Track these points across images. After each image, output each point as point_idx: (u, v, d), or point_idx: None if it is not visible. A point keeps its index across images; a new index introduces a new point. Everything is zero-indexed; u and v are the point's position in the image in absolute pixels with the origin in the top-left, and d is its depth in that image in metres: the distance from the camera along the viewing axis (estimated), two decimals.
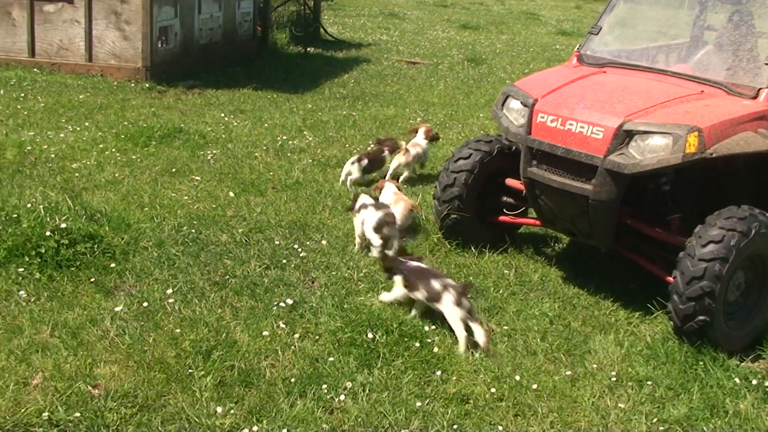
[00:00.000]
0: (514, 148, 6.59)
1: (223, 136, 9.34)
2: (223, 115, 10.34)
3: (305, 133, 9.79)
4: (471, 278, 6.04)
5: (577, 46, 6.65)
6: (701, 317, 5.03)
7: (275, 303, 5.40)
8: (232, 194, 7.47)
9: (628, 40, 6.54)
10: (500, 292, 5.94)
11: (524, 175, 5.90)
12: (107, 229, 6.17)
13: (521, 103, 5.99)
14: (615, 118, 5.42)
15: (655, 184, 5.76)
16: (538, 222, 6.42)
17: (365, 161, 7.91)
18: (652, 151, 5.27)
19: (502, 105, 6.19)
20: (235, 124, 9.92)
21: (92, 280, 5.49)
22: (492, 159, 6.48)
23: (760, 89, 5.52)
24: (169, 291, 5.41)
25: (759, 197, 5.67)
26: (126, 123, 9.42)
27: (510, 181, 6.58)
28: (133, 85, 11.50)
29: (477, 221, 6.56)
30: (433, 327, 5.23)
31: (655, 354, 5.18)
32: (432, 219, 6.86)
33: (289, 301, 5.40)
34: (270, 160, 8.60)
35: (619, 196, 5.51)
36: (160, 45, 11.87)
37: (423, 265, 5.49)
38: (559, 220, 5.99)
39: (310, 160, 8.67)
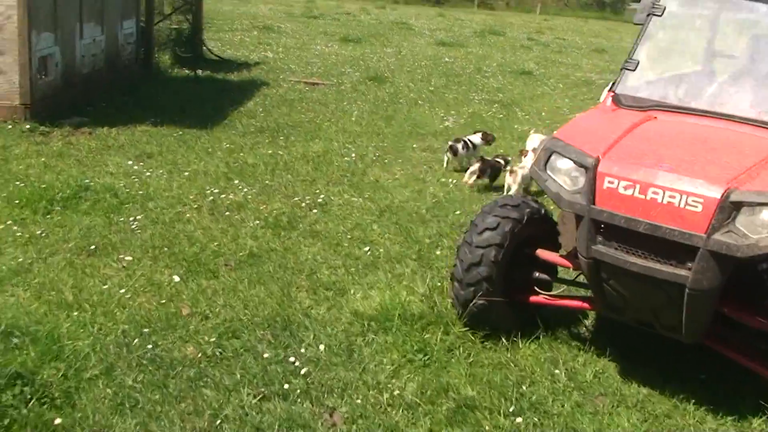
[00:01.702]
0: (543, 211, 5.23)
1: (140, 192, 7.54)
2: (129, 162, 8.50)
3: (236, 182, 8.10)
4: (518, 385, 4.61)
5: (610, 84, 5.34)
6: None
7: None
8: (176, 278, 5.77)
9: (674, 75, 5.25)
10: (562, 403, 4.53)
11: (587, 254, 4.54)
12: (33, 356, 4.37)
13: (575, 162, 4.61)
14: (716, 185, 4.13)
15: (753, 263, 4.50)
16: (586, 305, 5.06)
17: None
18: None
19: (545, 164, 4.79)
20: (148, 174, 8.11)
21: None
22: (522, 227, 5.08)
23: None
24: None
25: None
26: (16, 182, 7.44)
27: (543, 254, 5.21)
28: (10, 127, 9.44)
29: (506, 304, 5.12)
30: None
31: None
32: (448, 305, 5.35)
33: None
34: (207, 223, 6.90)
35: (723, 283, 4.22)
36: (39, 78, 9.81)
37: None
38: (632, 310, 4.65)
39: (257, 221, 7.02)
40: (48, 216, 6.77)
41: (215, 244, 6.46)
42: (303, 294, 5.67)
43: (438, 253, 6.63)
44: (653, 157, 4.47)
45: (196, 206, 7.30)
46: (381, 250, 6.59)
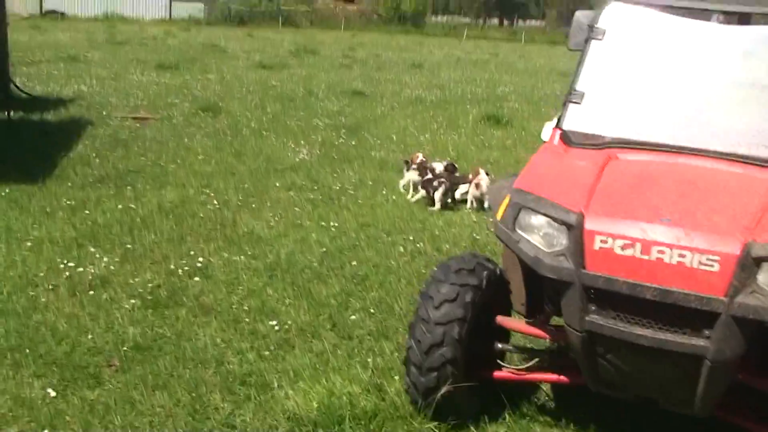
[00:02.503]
0: (499, 271, 4.47)
1: None
2: None
3: (90, 249, 6.82)
4: None
5: (555, 121, 4.65)
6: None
7: None
8: (51, 392, 4.55)
9: (628, 106, 4.62)
10: None
11: (580, 327, 3.78)
12: None
13: (552, 218, 3.86)
14: (731, 239, 3.51)
15: None
16: (564, 379, 4.33)
17: None
18: None
19: (514, 222, 4.00)
20: None
21: None
22: (482, 294, 4.29)
23: None
24: None
25: None
26: None
27: (506, 322, 4.46)
28: None
29: (470, 386, 4.31)
30: None
31: None
32: (400, 392, 4.45)
33: None
34: (71, 308, 5.65)
35: (745, 351, 3.60)
36: None
37: None
38: (633, 386, 3.95)
39: (132, 300, 5.84)
40: None
41: (88, 336, 5.23)
42: (217, 396, 4.59)
43: (353, 318, 5.73)
44: (645, 207, 3.79)
45: (50, 286, 5.99)
46: (289, 321, 5.59)
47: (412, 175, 9.11)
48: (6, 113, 12.42)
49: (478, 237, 7.76)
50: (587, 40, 4.74)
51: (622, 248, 3.67)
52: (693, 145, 4.29)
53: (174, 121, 13.32)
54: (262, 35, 38.30)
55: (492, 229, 4.12)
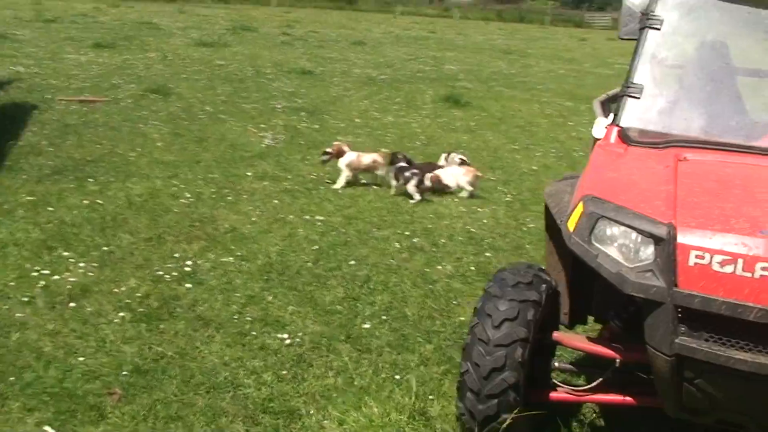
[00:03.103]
0: (554, 283, 4.01)
1: None
2: None
3: (63, 252, 6.14)
4: None
5: (611, 117, 4.18)
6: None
7: None
8: (49, 430, 3.89)
9: (691, 101, 4.18)
10: None
11: (669, 350, 3.34)
12: None
13: (636, 230, 3.39)
14: None
15: None
16: (631, 401, 3.90)
17: None
18: None
19: (590, 233, 3.53)
20: None
21: None
22: (541, 310, 3.83)
23: None
24: None
25: None
26: None
27: (567, 339, 4.00)
28: None
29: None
30: None
31: None
32: (447, 417, 3.96)
33: None
34: (53, 324, 5.02)
35: None
36: None
37: None
38: (721, 411, 3.53)
39: (120, 313, 5.22)
40: None
41: (79, 358, 4.59)
42: (240, 427, 4.06)
43: (366, 327, 5.22)
44: (740, 218, 3.36)
45: (26, 299, 5.31)
46: (299, 334, 5.05)
47: (345, 165, 8.53)
48: None
49: (473, 230, 7.30)
50: (642, 29, 4.27)
51: (721, 265, 3.24)
52: (765, 144, 3.87)
53: (123, 104, 12.47)
54: (194, 11, 37.02)
55: (567, 242, 3.61)
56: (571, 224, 3.63)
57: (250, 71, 17.15)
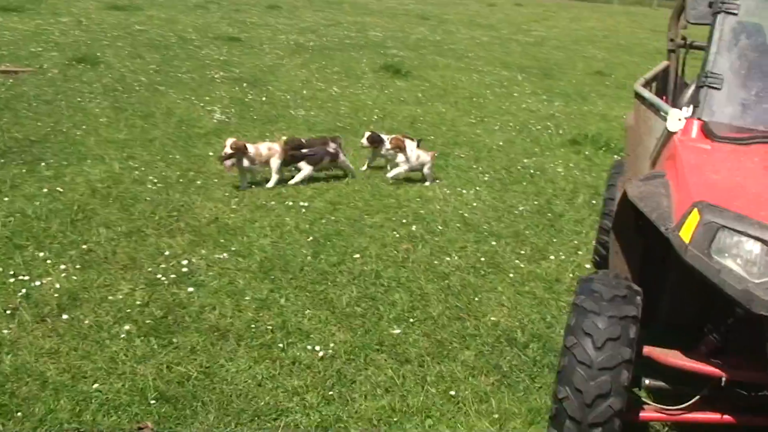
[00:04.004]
0: (642, 293, 3.66)
1: None
2: None
3: (36, 252, 5.50)
4: None
5: (689, 110, 3.81)
6: None
7: None
8: None
9: None
10: None
11: None
12: None
13: (764, 243, 3.05)
14: None
15: None
16: (731, 419, 3.59)
17: None
18: None
19: (710, 245, 3.15)
20: None
21: None
22: (639, 325, 3.46)
23: None
24: None
25: None
26: None
27: (656, 353, 3.64)
28: None
29: None
30: None
31: None
32: None
33: None
34: (51, 343, 4.43)
35: None
36: None
37: None
38: None
39: (124, 325, 4.58)
40: None
41: (92, 385, 3.96)
42: None
43: (395, 332, 4.76)
44: None
45: (8, 311, 4.59)
46: (331, 345, 4.54)
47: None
48: None
49: (466, 215, 6.89)
50: (716, 14, 3.89)
51: None
52: None
53: (50, 75, 11.44)
54: None
55: (682, 254, 3.21)
56: (686, 234, 3.24)
57: (173, 37, 16.15)
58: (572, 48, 21.59)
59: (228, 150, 7.02)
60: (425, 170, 7.68)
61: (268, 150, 7.34)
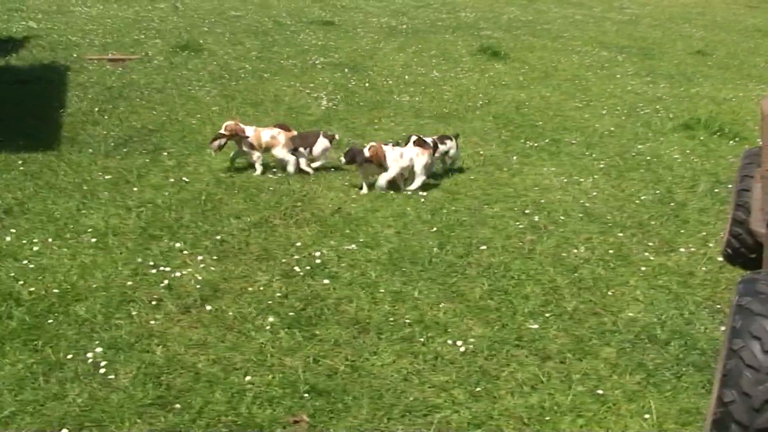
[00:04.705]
0: None
1: (52, 289, 4.82)
2: None
3: (172, 243, 5.62)
4: None
5: None
6: None
7: None
8: None
9: None
10: None
11: None
12: None
13: None
14: None
15: None
16: None
17: None
18: None
19: None
20: (34, 249, 5.34)
21: None
22: None
23: None
24: None
25: None
26: None
27: None
28: None
29: None
30: None
31: None
32: None
33: None
34: (198, 335, 4.47)
35: None
36: None
37: None
38: None
39: (270, 317, 4.65)
40: None
41: (244, 377, 4.03)
42: None
43: (533, 327, 4.72)
44: None
45: (151, 301, 4.73)
46: (471, 339, 4.54)
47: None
48: None
49: (587, 204, 6.81)
50: None
51: None
52: None
53: (155, 62, 11.72)
54: None
55: None
56: None
57: (269, 23, 16.31)
58: (668, 26, 20.98)
59: (222, 131, 7.00)
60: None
61: (271, 138, 7.15)
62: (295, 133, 7.22)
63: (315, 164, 7.17)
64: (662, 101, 11.18)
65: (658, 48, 16.42)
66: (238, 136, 7.02)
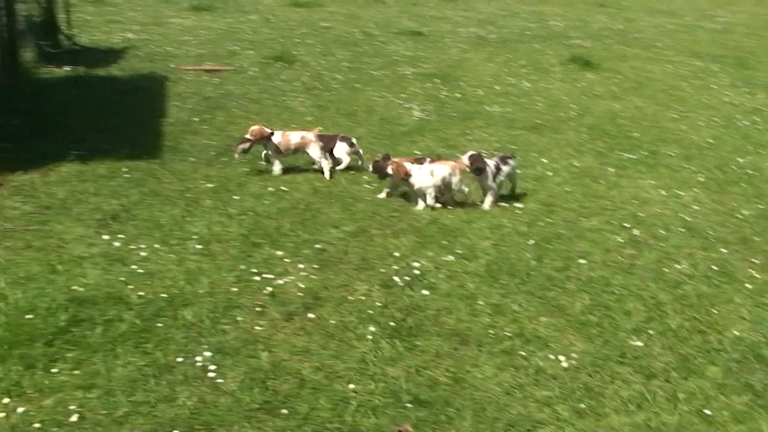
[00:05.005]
0: None
1: (159, 293, 4.97)
2: (95, 233, 5.77)
3: (273, 251, 5.72)
4: None
5: None
6: None
7: None
8: None
9: None
10: None
11: None
12: None
13: None
14: None
15: None
16: None
17: None
18: None
19: None
20: (142, 255, 5.54)
21: None
22: None
23: None
24: None
25: None
26: None
27: None
28: None
29: None
30: None
31: None
32: None
33: None
34: (302, 342, 4.60)
35: None
36: None
37: None
38: None
39: (371, 327, 4.70)
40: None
41: (348, 385, 4.09)
42: None
43: (636, 344, 4.66)
44: None
45: (257, 309, 4.82)
46: (573, 355, 4.48)
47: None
48: (71, 69, 11.01)
49: (687, 218, 6.71)
50: None
51: None
52: None
53: (249, 72, 11.96)
54: None
55: None
56: None
57: (357, 33, 16.50)
58: (763, 34, 20.41)
59: (247, 136, 7.21)
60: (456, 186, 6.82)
61: (301, 139, 7.38)
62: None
63: (338, 167, 7.35)
64: (761, 113, 10.89)
65: (754, 57, 16.00)
66: (263, 140, 7.22)
